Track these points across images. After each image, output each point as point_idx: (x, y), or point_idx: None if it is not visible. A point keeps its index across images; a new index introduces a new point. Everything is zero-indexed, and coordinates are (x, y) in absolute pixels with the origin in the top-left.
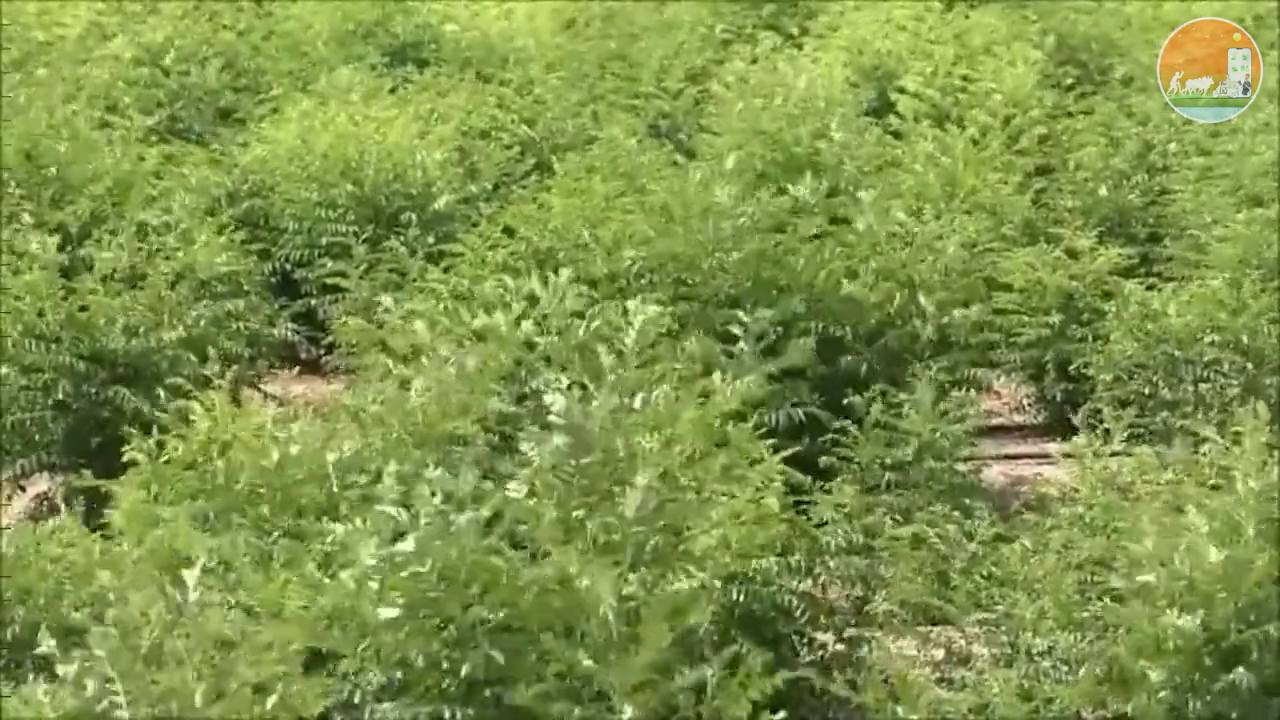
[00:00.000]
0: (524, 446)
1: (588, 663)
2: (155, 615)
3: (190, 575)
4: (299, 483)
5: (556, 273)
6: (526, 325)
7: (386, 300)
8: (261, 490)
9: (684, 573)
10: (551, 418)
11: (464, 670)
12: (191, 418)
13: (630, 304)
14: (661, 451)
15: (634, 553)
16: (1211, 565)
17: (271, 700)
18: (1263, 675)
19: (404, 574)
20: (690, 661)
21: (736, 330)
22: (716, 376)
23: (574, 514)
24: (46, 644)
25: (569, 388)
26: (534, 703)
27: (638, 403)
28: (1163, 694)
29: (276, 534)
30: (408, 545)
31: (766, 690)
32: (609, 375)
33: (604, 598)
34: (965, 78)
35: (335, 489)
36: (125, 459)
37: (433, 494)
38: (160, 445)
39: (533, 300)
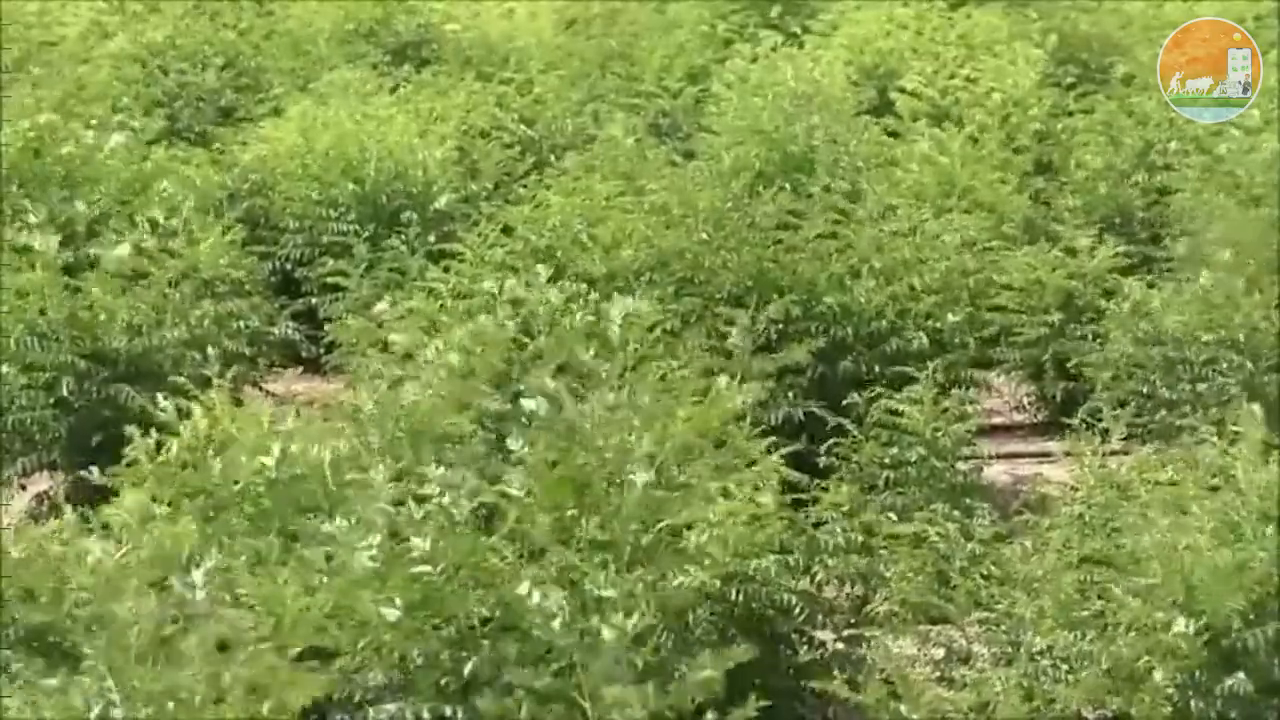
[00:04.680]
0: (510, 443)
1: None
2: (149, 615)
3: (197, 575)
4: (296, 481)
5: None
6: (511, 325)
7: (384, 301)
8: (258, 489)
9: (682, 571)
10: (537, 421)
11: (466, 670)
12: (190, 416)
13: (615, 299)
14: (655, 449)
15: (629, 551)
16: (1213, 564)
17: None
18: (1265, 676)
19: (411, 573)
20: (689, 660)
21: (735, 330)
22: (722, 380)
23: (568, 512)
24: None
25: (557, 387)
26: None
27: (628, 400)
28: (1168, 692)
29: (273, 533)
30: (420, 545)
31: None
32: (601, 372)
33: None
34: (967, 77)
35: (332, 487)
36: (126, 458)
37: (440, 492)
38: (159, 444)
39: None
